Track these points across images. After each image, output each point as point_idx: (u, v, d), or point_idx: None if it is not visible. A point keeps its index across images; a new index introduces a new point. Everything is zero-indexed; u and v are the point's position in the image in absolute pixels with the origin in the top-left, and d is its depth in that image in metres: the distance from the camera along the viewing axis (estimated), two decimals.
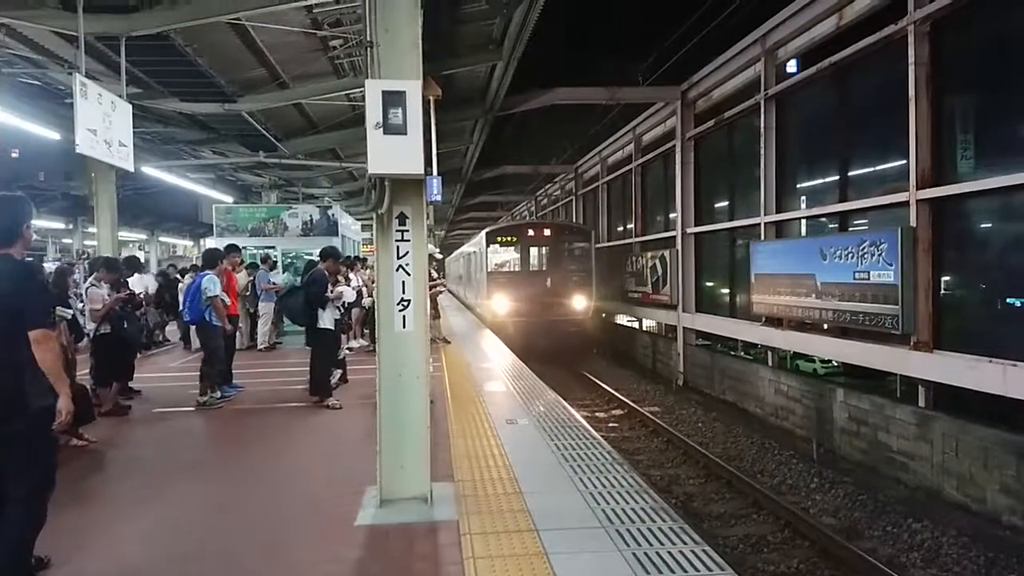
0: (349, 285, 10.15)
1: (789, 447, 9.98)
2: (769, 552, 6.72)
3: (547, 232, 19.06)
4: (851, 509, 7.68)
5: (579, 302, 17.75)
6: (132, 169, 10.02)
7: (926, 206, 8.17)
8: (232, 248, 9.70)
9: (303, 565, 3.89)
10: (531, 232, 19.11)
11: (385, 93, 4.19)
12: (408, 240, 4.68)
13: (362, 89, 4.31)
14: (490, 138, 19.53)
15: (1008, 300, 7.49)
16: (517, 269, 19.38)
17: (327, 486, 5.31)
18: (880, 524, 7.24)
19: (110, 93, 9.02)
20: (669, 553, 3.79)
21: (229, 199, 20.22)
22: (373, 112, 4.19)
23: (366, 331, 12.83)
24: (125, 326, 7.81)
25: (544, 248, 19.36)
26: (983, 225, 8.13)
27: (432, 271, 16.50)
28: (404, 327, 4.71)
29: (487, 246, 18.68)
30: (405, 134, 4.19)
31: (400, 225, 4.66)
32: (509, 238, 19.14)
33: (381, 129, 4.17)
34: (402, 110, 4.18)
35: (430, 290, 8.37)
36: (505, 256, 20.24)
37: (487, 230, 19.33)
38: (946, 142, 8.18)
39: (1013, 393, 6.84)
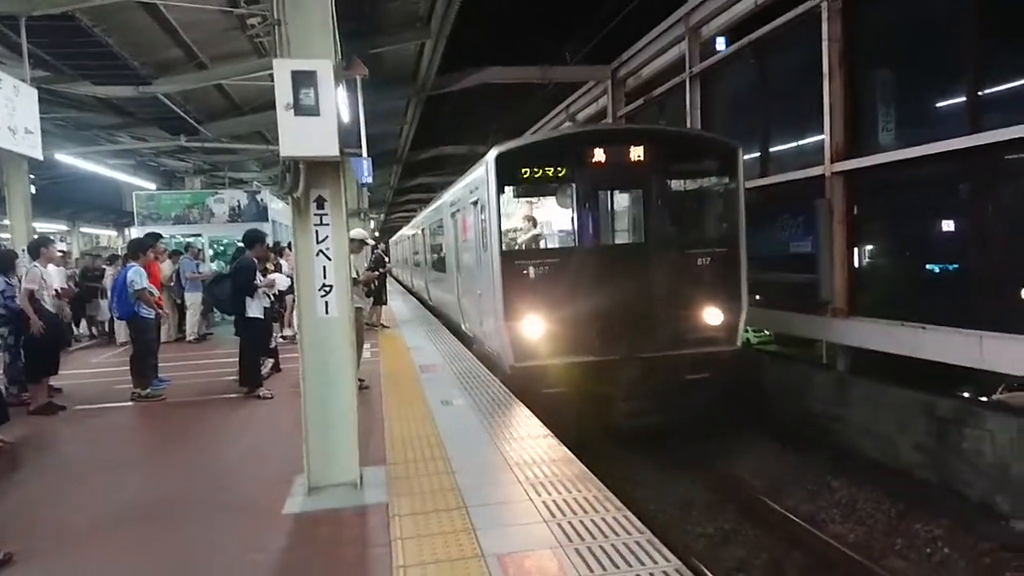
0: (281, 271, 9.96)
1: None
2: (697, 514, 6.97)
3: (639, 152, 8.20)
4: (777, 471, 8.02)
5: (713, 314, 8.23)
6: (40, 157, 9.48)
7: (840, 179, 8.52)
8: (152, 236, 9.34)
9: (227, 557, 3.84)
10: (601, 153, 8.15)
11: (295, 73, 4.08)
12: (327, 224, 4.60)
13: None
14: (426, 118, 19.32)
15: (927, 266, 7.89)
16: (572, 244, 8.43)
17: (255, 477, 5.23)
18: (802, 484, 7.60)
19: (11, 77, 8.49)
20: (592, 521, 3.90)
21: (152, 186, 19.37)
22: (283, 93, 4.08)
23: None
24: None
25: (632, 192, 8.95)
26: (894, 197, 8.53)
27: (382, 255, 16.33)
28: (327, 312, 4.65)
29: (498, 191, 8.15)
30: (318, 115, 4.10)
31: (318, 209, 4.58)
32: (551, 170, 8.13)
33: (292, 110, 4.07)
34: (313, 90, 4.09)
35: (360, 277, 8.21)
36: (540, 215, 9.52)
37: (497, 152, 8.28)
38: (860, 117, 8.52)
39: (924, 354, 7.25)
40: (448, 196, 12.66)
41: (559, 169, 8.11)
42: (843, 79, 8.53)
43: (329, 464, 4.61)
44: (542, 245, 9.17)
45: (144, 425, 7.35)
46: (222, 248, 16.00)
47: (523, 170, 8.08)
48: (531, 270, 8.06)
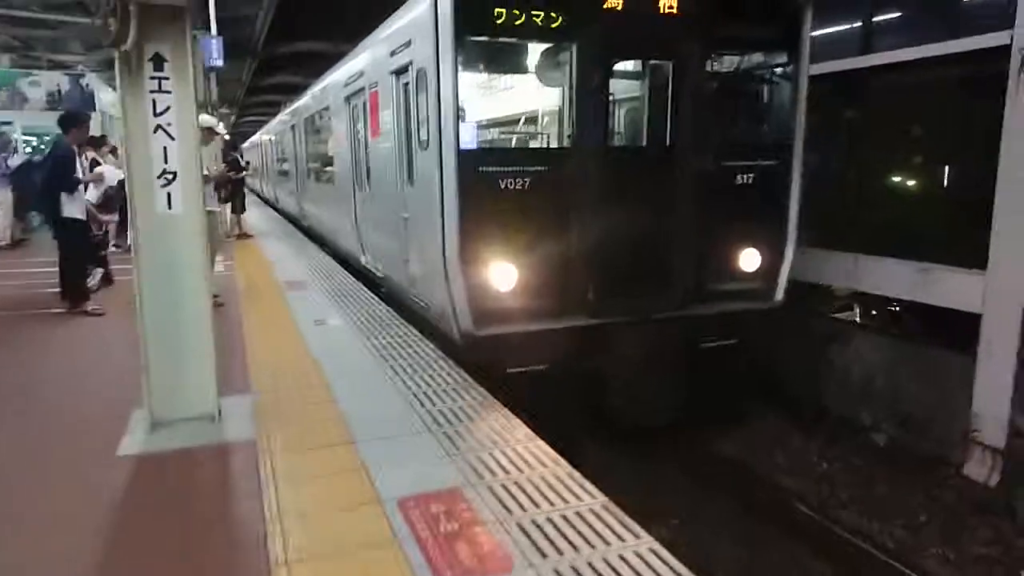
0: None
1: None
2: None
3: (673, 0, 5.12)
4: None
5: (749, 256, 5.79)
6: None
7: None
8: None
9: (49, 510, 2.98)
10: None
11: None
12: (168, 92, 3.57)
13: None
14: (287, 6, 16.94)
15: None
16: (562, 145, 5.60)
17: (81, 410, 4.26)
18: None
19: None
20: (503, 453, 3.41)
21: None
22: None
23: None
24: None
25: (655, 66, 5.74)
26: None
27: (237, 157, 14.91)
28: (170, 208, 3.68)
29: (455, 45, 4.71)
30: None
31: (156, 70, 3.52)
32: (540, 16, 4.84)
33: None
34: None
35: (212, 174, 7.07)
36: (515, 100, 7.37)
37: None
38: None
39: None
40: (340, 74, 8.76)
41: (554, 16, 4.91)
42: None
43: (177, 394, 3.76)
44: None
45: None
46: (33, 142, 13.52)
47: (497, 12, 4.76)
48: (503, 183, 4.98)
